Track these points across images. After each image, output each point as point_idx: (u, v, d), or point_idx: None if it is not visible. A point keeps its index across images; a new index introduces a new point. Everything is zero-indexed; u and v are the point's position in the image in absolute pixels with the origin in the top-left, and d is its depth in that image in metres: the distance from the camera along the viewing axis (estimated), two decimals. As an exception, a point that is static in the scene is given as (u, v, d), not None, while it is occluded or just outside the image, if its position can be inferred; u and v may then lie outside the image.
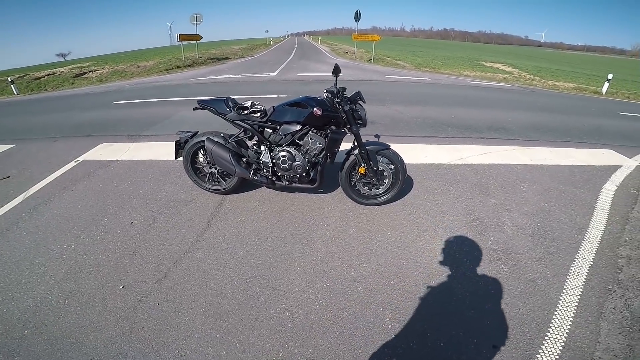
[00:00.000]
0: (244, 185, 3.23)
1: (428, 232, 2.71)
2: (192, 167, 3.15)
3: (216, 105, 2.86)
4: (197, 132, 3.08)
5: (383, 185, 3.02)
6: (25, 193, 3.45)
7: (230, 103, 2.88)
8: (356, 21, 17.86)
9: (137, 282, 2.23)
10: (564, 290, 2.15)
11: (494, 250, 2.48)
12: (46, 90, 12.04)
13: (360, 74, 12.46)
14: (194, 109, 2.98)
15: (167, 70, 14.94)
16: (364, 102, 2.78)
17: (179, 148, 3.06)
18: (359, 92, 2.76)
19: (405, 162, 2.94)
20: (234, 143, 2.92)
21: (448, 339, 1.82)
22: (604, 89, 11.00)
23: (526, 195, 3.29)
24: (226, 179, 3.19)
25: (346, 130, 2.82)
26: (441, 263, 2.37)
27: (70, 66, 18.34)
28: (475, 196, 3.24)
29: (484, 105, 7.66)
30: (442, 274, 2.27)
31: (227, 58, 20.88)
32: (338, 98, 2.66)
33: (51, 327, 1.94)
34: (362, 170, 2.88)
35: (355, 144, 2.84)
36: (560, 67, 22.28)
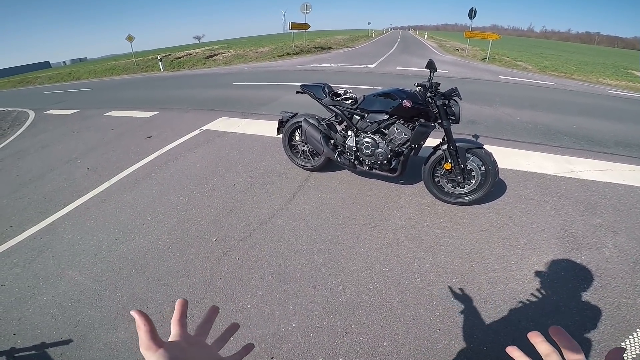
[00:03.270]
0: (329, 166, 3.51)
1: (509, 240, 2.52)
2: (289, 143, 3.56)
3: (314, 90, 3.19)
4: (297, 113, 3.46)
5: (469, 185, 2.89)
6: (160, 150, 4.42)
7: (326, 89, 3.16)
8: (470, 18, 16.40)
9: (226, 238, 2.64)
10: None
11: (582, 269, 2.23)
12: (184, 68, 14.64)
13: (468, 72, 11.53)
14: (297, 92, 3.36)
15: (278, 56, 16.39)
16: (460, 99, 2.71)
17: (280, 126, 3.49)
18: (455, 88, 2.71)
19: (503, 166, 2.77)
20: (325, 126, 3.20)
21: (492, 346, 1.74)
22: None
23: None
24: (315, 157, 3.52)
25: (436, 124, 2.80)
26: (513, 272, 2.22)
27: (203, 48, 21.74)
28: (577, 213, 2.85)
29: (618, 117, 6.33)
30: (510, 283, 2.13)
31: (330, 48, 21.55)
32: (431, 92, 2.67)
33: (152, 269, 2.35)
34: (447, 166, 2.81)
35: (445, 139, 2.79)
36: None
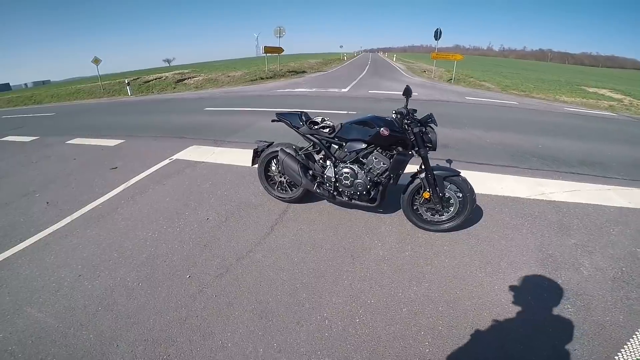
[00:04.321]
0: (307, 197, 3.39)
1: (490, 264, 2.53)
2: (265, 174, 3.42)
3: (291, 119, 3.11)
4: (273, 142, 3.36)
5: (448, 212, 2.89)
6: (126, 183, 4.14)
7: (303, 117, 3.09)
8: (436, 39, 17.37)
9: (201, 274, 2.48)
10: (634, 336, 1.94)
11: (563, 290, 2.29)
12: (153, 92, 14.29)
13: (436, 94, 12.04)
14: (272, 120, 3.27)
15: (252, 81, 16.42)
16: (436, 125, 2.72)
17: (255, 156, 3.36)
18: (430, 114, 2.72)
19: (478, 192, 2.81)
20: (303, 156, 3.11)
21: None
22: None
23: (615, 239, 2.88)
24: (292, 189, 3.40)
25: (413, 152, 2.78)
26: (498, 296, 2.23)
27: (174, 72, 21.43)
28: (552, 235, 2.93)
29: (580, 135, 6.73)
30: (496, 307, 2.14)
31: (304, 71, 21.98)
32: (407, 119, 2.66)
33: (121, 307, 2.22)
34: (426, 195, 2.80)
35: (422, 167, 2.78)
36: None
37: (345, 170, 2.88)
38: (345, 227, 3.05)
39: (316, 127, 3.00)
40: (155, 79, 18.12)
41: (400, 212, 3.14)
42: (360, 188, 2.87)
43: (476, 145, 5.60)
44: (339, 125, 2.97)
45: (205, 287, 2.34)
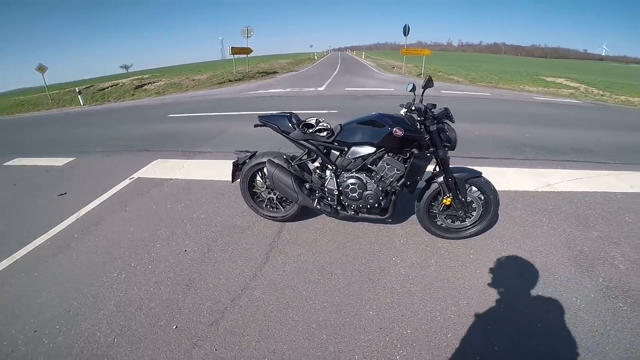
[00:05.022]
0: (303, 212, 2.90)
1: (525, 270, 2.31)
2: (250, 191, 2.87)
3: (278, 122, 2.56)
4: (256, 152, 2.82)
5: (470, 217, 2.57)
6: (79, 212, 3.41)
7: (293, 119, 2.57)
8: (405, 35, 17.36)
9: (191, 322, 1.98)
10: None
11: (608, 288, 2.13)
12: (109, 101, 12.98)
13: (411, 89, 11.91)
14: (255, 125, 2.73)
15: (219, 83, 15.51)
16: (452, 122, 2.34)
17: (236, 170, 2.81)
18: (447, 109, 2.35)
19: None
20: (296, 166, 2.60)
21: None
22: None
23: (634, 227, 2.81)
24: (285, 205, 2.89)
25: (430, 154, 2.39)
26: (547, 305, 2.01)
27: (132, 78, 19.80)
28: (573, 229, 2.79)
29: (559, 123, 6.79)
30: (549, 317, 1.92)
31: (275, 72, 21.37)
32: (424, 117, 2.25)
33: None
34: (447, 201, 2.46)
35: (438, 169, 2.45)
36: (630, 82, 19.89)
37: (351, 180, 2.43)
38: (355, 245, 2.62)
39: (311, 130, 2.49)
40: (112, 86, 16.60)
41: (412, 219, 2.85)
42: (371, 200, 2.43)
43: (466, 139, 5.35)
44: (338, 127, 2.50)
45: (200, 340, 1.86)
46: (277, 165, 2.56)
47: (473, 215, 2.56)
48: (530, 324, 1.87)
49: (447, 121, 2.32)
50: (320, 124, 2.51)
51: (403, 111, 2.42)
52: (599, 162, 4.40)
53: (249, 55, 18.94)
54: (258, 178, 2.84)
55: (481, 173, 2.46)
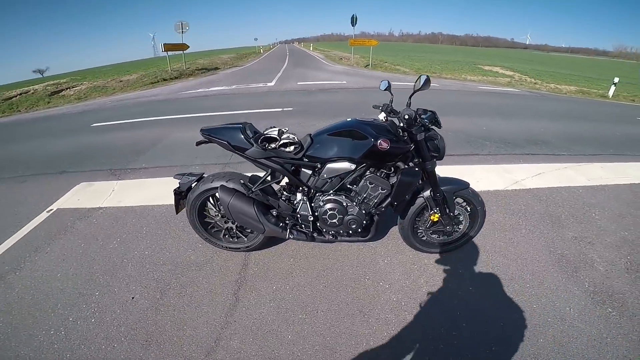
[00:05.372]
0: (270, 238, 2.43)
1: (515, 280, 2.20)
2: (200, 220, 2.32)
3: (229, 136, 2.01)
4: (203, 174, 2.27)
5: (457, 231, 2.35)
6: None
7: (248, 132, 2.04)
8: (352, 26, 17.31)
9: None
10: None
11: (594, 293, 2.11)
12: (19, 111, 10.90)
13: (365, 82, 11.81)
14: (198, 143, 2.17)
15: (152, 83, 13.98)
16: (440, 127, 2.03)
17: (180, 198, 2.24)
18: (434, 112, 2.02)
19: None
20: (259, 191, 2.11)
21: None
22: (611, 93, 10.78)
23: (601, 224, 2.87)
24: (248, 234, 2.39)
25: (417, 166, 2.06)
26: (544, 318, 1.92)
27: (46, 83, 16.94)
28: (549, 230, 2.77)
29: (507, 113, 7.09)
30: (550, 331, 1.83)
31: (216, 68, 19.96)
32: (412, 124, 1.90)
33: None
34: (435, 217, 2.19)
35: (424, 182, 2.14)
36: (556, 70, 22.25)
37: (329, 205, 2.03)
38: (336, 272, 2.28)
39: (273, 145, 2.00)
40: (21, 94, 14.05)
41: (392, 233, 2.62)
42: (353, 226, 2.07)
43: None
44: (308, 139, 2.04)
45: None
46: (234, 192, 2.05)
47: (460, 229, 2.35)
48: (536, 341, 1.77)
49: (433, 127, 2.00)
50: (284, 135, 2.04)
51: (382, 115, 2.06)
52: (555, 154, 4.60)
53: (186, 52, 17.46)
54: (210, 205, 2.31)
55: (469, 184, 2.23)
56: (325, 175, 2.00)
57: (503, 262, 2.35)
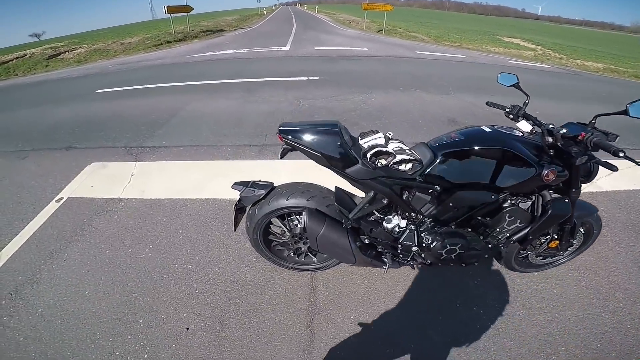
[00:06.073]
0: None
1: (609, 300, 1.93)
2: (264, 239, 1.80)
3: (323, 145, 1.37)
4: (272, 185, 1.68)
5: (566, 252, 1.99)
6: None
7: (345, 137, 1.40)
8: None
9: None
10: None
11: None
12: (16, 75, 10.04)
13: (387, 49, 10.89)
14: (282, 155, 1.54)
15: (155, 46, 12.96)
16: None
17: (240, 212, 1.69)
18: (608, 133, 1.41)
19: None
20: (354, 220, 1.56)
21: None
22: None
23: None
24: (319, 253, 1.88)
25: (561, 194, 1.58)
26: (637, 338, 1.70)
27: (43, 47, 15.73)
28: (634, 242, 2.42)
29: (552, 95, 6.35)
30: None
31: (222, 30, 18.80)
32: (571, 144, 1.36)
33: None
34: (554, 244, 1.81)
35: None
36: (574, 44, 20.83)
37: (451, 240, 1.54)
38: (421, 297, 1.90)
39: (384, 162, 1.41)
40: (17, 58, 12.96)
41: None
42: (473, 260, 1.63)
43: (483, 119, 4.64)
44: (427, 153, 1.45)
45: None
46: (324, 220, 1.52)
47: (569, 250, 1.99)
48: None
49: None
50: (393, 144, 1.48)
51: (525, 126, 1.54)
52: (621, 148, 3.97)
53: (188, 14, 16.33)
54: (278, 222, 1.77)
55: (597, 209, 1.85)
56: (451, 204, 1.48)
57: (595, 280, 2.06)
